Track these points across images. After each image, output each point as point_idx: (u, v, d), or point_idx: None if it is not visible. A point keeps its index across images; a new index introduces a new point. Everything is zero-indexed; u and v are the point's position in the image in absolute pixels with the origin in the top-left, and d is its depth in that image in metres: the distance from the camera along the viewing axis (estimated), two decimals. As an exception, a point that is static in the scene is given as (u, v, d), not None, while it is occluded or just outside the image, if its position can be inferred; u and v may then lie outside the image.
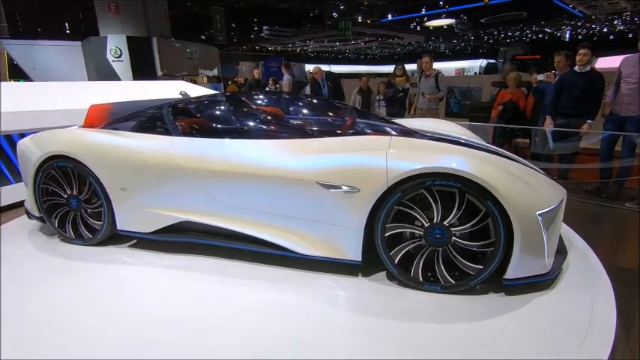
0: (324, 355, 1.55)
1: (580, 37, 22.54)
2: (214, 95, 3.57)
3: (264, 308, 1.87)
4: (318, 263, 2.13)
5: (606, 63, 9.31)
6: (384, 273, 2.14)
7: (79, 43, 13.09)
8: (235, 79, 15.10)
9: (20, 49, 12.03)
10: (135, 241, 2.61)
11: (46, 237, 2.77)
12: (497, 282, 1.92)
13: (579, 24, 19.82)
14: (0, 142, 3.69)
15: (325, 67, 7.79)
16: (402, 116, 6.04)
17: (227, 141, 2.31)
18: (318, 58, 31.80)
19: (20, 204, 3.56)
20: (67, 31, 17.51)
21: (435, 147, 2.11)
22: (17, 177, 3.75)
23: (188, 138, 2.39)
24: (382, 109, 6.28)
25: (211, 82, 14.82)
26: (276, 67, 12.79)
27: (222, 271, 2.23)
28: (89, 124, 2.75)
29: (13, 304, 1.93)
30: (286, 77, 7.49)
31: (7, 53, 11.70)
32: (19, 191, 3.57)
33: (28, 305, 1.93)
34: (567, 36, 20.38)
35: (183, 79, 10.85)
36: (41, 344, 1.64)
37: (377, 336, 1.66)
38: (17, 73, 11.78)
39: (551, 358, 1.51)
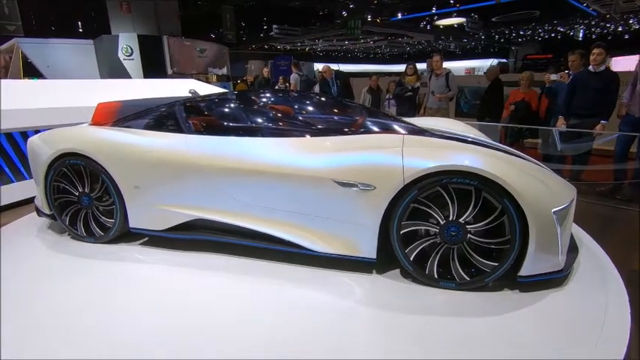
0: (346, 354, 1.56)
1: (594, 37, 22.17)
2: (225, 93, 3.60)
3: (284, 307, 1.88)
4: (333, 261, 2.15)
5: (622, 63, 9.15)
6: (397, 270, 2.14)
7: (91, 41, 13.26)
8: (244, 78, 15.17)
9: (34, 48, 12.22)
10: (146, 238, 2.64)
11: (57, 235, 2.79)
12: (511, 279, 1.92)
13: (593, 23, 19.49)
14: (15, 139, 3.76)
15: (334, 66, 7.78)
16: (412, 115, 6.01)
17: (241, 139, 2.33)
18: (327, 57, 31.78)
19: (21, 203, 3.64)
20: (80, 30, 17.77)
21: (449, 145, 2.13)
22: (18, 175, 3.80)
23: (202, 136, 2.40)
24: (392, 108, 6.26)
25: (220, 80, 14.91)
26: (285, 65, 12.80)
27: (237, 270, 2.23)
28: (97, 121, 2.76)
29: (22, 302, 1.94)
30: (294, 76, 7.50)
31: (22, 51, 11.92)
32: (21, 190, 3.68)
33: (39, 303, 1.94)
34: (580, 35, 20.07)
35: (192, 78, 10.93)
36: (56, 342, 1.65)
37: (395, 333, 1.68)
38: (31, 71, 11.97)
39: (566, 358, 1.50)
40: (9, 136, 3.68)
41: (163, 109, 2.63)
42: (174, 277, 2.18)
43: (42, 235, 2.81)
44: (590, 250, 2.42)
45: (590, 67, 4.04)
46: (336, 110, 2.86)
